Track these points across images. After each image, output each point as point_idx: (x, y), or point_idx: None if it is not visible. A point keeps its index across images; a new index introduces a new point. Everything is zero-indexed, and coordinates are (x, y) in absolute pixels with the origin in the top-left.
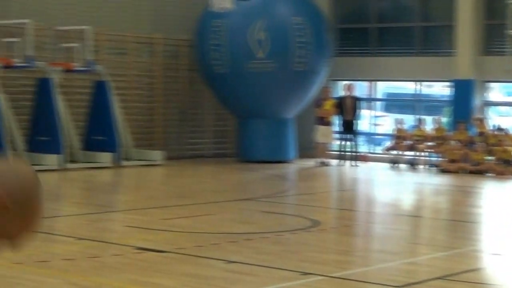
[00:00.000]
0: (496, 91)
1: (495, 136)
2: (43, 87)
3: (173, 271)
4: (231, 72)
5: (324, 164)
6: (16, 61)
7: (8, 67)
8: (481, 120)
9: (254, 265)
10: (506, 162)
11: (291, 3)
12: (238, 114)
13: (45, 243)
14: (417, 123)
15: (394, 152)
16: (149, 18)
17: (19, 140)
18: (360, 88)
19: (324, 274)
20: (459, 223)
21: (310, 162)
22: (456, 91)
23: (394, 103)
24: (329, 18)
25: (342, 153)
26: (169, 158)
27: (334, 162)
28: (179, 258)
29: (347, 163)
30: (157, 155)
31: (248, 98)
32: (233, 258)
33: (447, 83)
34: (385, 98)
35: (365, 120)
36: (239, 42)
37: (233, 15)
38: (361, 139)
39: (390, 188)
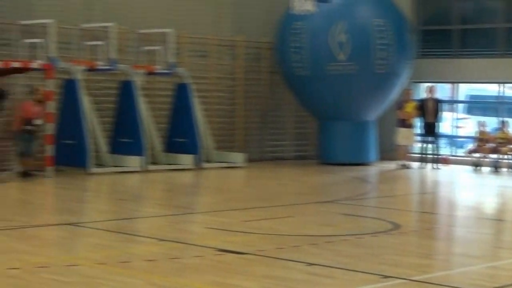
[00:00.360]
0: None
1: None
2: (126, 90)
3: (253, 273)
4: (312, 75)
5: (405, 166)
6: (100, 64)
7: (92, 70)
8: None
9: (334, 267)
10: None
11: (372, 5)
12: (319, 116)
13: (127, 243)
14: (500, 126)
15: (477, 154)
16: (230, 21)
17: (102, 142)
18: (442, 90)
19: (405, 278)
20: None
21: (391, 165)
22: None
23: (476, 105)
24: (411, 19)
25: (424, 155)
26: (250, 160)
27: (415, 164)
28: (259, 260)
29: (429, 165)
30: (238, 157)
31: (329, 100)
32: (313, 261)
33: None
34: (468, 100)
35: (447, 123)
36: (320, 44)
37: (314, 17)
38: (442, 142)
39: (472, 191)
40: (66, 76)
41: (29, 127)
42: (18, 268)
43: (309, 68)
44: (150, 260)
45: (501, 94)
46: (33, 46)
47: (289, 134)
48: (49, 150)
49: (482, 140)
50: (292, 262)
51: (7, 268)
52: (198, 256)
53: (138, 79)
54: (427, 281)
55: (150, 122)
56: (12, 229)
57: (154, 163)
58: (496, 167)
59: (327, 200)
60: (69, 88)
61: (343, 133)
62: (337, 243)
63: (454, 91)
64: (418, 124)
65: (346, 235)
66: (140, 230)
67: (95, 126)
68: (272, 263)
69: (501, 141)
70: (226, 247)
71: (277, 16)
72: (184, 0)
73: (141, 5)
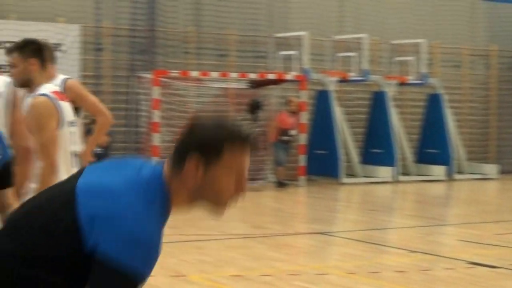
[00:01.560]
0: None
1: None
2: (377, 100)
3: (505, 287)
4: None
5: None
6: (352, 75)
7: (344, 81)
8: None
9: None
10: None
11: None
12: None
13: (378, 254)
14: None
15: None
16: (485, 30)
17: (354, 152)
18: None
19: None
20: None
21: None
22: None
23: None
24: None
25: None
26: (503, 172)
27: None
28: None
29: None
30: (491, 168)
31: None
32: None
33: None
34: None
35: None
36: None
37: None
38: None
39: None
40: (319, 87)
41: (285, 138)
42: (270, 275)
43: None
44: (400, 271)
45: None
46: (287, 58)
47: None
48: (302, 160)
49: None
50: None
51: (260, 275)
52: (449, 269)
53: (390, 90)
54: None
55: (402, 133)
56: (266, 236)
57: (405, 173)
58: None
59: None
60: (321, 99)
61: None
62: None
63: None
64: None
65: None
66: (391, 240)
67: (346, 136)
68: None
69: None
70: (478, 260)
71: None
72: (437, 10)
73: (393, 16)
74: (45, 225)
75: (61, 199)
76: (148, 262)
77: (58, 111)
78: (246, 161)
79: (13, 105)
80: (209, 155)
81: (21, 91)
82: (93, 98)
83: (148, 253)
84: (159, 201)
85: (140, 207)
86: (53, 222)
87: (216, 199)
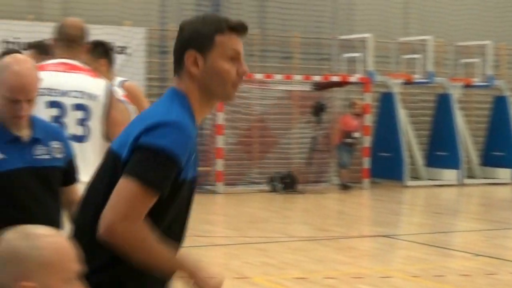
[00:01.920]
0: None
1: None
2: (442, 103)
3: None
4: None
5: None
6: (417, 77)
7: (408, 83)
8: None
9: None
10: None
11: None
12: None
13: (442, 257)
14: None
15: None
16: None
17: (418, 154)
18: None
19: None
20: None
21: None
22: None
23: None
24: None
25: None
26: None
27: None
28: None
29: None
30: None
31: None
32: None
33: None
34: None
35: None
36: None
37: None
38: None
39: None
40: (383, 90)
41: (349, 140)
42: (334, 278)
43: None
44: (465, 275)
45: None
46: (351, 60)
47: None
48: (366, 162)
49: None
50: None
51: (324, 277)
52: None
53: (455, 92)
54: None
55: (467, 135)
56: (329, 239)
57: (470, 176)
58: None
59: None
60: (385, 101)
61: None
62: None
63: None
64: None
65: None
66: (455, 244)
67: (411, 139)
68: None
69: None
70: None
71: None
72: (503, 12)
73: (458, 18)
74: (97, 188)
75: (101, 165)
76: (179, 143)
77: (129, 114)
78: (238, 44)
79: (110, 107)
80: (203, 46)
81: (118, 93)
82: (147, 103)
83: (178, 135)
84: (178, 102)
85: (165, 107)
86: (102, 177)
87: (222, 85)
